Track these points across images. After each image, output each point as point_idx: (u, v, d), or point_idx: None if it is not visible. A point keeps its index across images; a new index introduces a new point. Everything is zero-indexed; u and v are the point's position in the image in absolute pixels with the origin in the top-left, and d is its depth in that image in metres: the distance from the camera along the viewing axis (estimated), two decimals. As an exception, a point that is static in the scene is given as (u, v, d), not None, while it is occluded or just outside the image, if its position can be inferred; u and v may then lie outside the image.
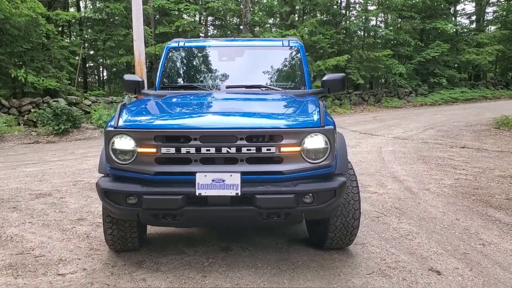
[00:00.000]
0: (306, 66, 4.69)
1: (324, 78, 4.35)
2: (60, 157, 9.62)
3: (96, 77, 30.64)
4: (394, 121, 15.63)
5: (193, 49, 4.98)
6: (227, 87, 4.51)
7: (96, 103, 17.05)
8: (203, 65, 4.94)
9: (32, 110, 15.09)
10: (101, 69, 29.36)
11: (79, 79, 19.69)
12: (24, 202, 5.70)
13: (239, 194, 3.07)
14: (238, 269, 3.55)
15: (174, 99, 4.06)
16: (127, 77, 4.61)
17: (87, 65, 24.84)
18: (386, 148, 9.70)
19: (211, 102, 4.05)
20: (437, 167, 7.61)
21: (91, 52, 23.26)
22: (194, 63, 4.99)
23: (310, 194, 3.15)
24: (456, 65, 27.92)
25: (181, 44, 4.88)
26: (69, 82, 17.51)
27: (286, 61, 4.86)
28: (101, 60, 26.27)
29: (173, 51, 4.85)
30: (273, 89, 4.46)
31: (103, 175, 3.43)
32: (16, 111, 15.25)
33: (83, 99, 17.05)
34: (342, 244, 3.81)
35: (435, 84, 25.81)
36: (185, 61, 4.94)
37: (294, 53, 4.81)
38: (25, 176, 7.42)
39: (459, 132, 12.24)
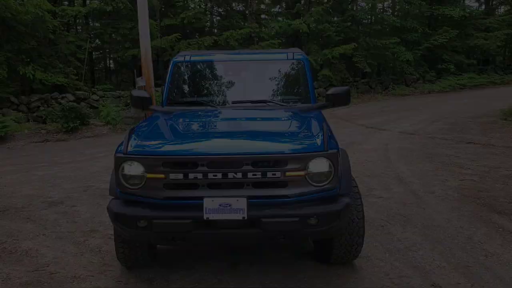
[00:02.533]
0: (310, 79, 4.74)
1: (329, 92, 4.45)
2: (70, 158, 9.77)
3: (104, 65, 30.69)
4: (402, 113, 15.55)
5: (199, 63, 5.03)
6: (233, 102, 4.58)
7: (104, 98, 17.18)
8: (209, 80, 4.99)
9: (41, 108, 15.24)
10: (107, 59, 29.38)
11: (86, 68, 19.69)
12: (37, 211, 5.85)
13: (246, 218, 3.17)
14: None
15: (181, 119, 4.14)
16: (135, 92, 4.71)
17: (93, 56, 24.84)
18: (393, 145, 9.73)
19: (217, 123, 4.14)
20: (443, 166, 7.65)
21: (97, 41, 23.25)
22: (200, 78, 5.04)
23: (315, 217, 3.24)
24: (464, 49, 27.53)
25: (187, 58, 4.93)
26: (77, 77, 17.61)
27: (291, 74, 4.90)
28: (108, 50, 26.29)
29: (179, 65, 4.91)
30: (278, 104, 4.52)
31: (113, 197, 3.55)
32: (25, 108, 15.46)
33: (90, 94, 17.17)
34: (347, 259, 3.91)
35: (443, 70, 25.52)
36: (191, 75, 4.99)
37: (298, 65, 4.83)
38: (37, 181, 7.58)
39: (466, 125, 12.21)
